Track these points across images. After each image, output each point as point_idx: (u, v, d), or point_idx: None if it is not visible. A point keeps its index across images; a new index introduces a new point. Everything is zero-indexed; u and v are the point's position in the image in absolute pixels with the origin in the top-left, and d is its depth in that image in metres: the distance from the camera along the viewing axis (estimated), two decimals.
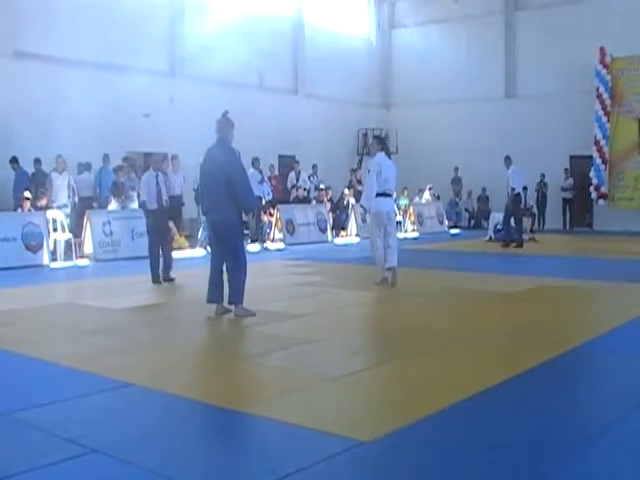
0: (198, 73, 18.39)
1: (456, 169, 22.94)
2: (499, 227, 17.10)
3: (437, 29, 24.58)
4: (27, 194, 12.89)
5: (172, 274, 10.25)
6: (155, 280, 10.02)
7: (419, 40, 24.94)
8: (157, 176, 10.32)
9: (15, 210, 13.08)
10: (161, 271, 10.16)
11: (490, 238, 17.35)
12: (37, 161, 14.45)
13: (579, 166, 21.50)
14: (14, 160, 14.06)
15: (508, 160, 15.78)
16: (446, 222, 21.94)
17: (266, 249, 15.76)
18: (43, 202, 13.25)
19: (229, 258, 7.29)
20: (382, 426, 4.01)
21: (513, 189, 15.67)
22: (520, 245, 15.44)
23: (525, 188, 20.74)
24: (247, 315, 7.26)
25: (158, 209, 10.17)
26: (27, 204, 12.77)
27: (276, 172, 19.54)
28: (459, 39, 23.89)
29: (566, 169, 21.68)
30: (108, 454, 3.61)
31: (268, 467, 3.49)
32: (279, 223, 16.70)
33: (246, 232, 16.84)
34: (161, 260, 10.19)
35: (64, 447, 3.70)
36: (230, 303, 7.37)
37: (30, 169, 14.40)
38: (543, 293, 9.11)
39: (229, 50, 18.40)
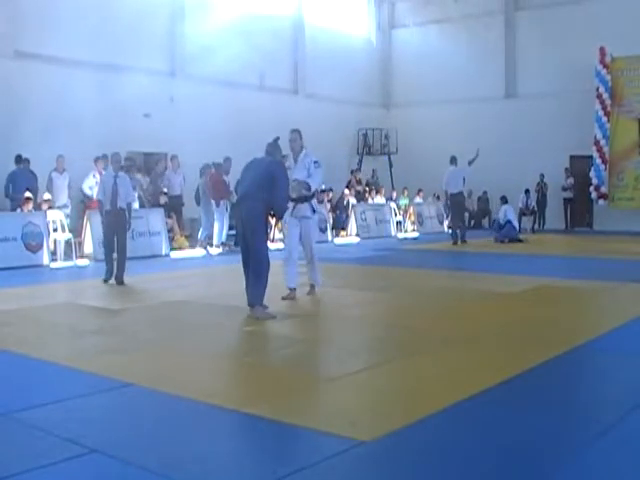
0: (198, 73, 18.38)
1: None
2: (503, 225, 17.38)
3: (437, 29, 24.56)
4: (28, 194, 12.86)
5: (126, 278, 10.09)
6: (106, 280, 10.06)
7: (419, 40, 24.91)
8: (116, 177, 10.13)
9: (13, 210, 13.05)
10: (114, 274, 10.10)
11: (495, 238, 17.46)
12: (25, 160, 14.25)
13: (579, 166, 21.49)
14: (24, 160, 13.90)
15: (453, 160, 16.55)
16: (446, 222, 21.93)
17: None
18: (45, 206, 13.24)
19: (252, 259, 7.20)
20: (382, 426, 4.01)
21: (446, 190, 16.66)
22: (455, 243, 16.29)
23: (527, 191, 20.89)
24: (266, 318, 7.10)
25: (112, 211, 10.04)
26: (29, 204, 12.74)
27: None
28: (459, 39, 23.87)
29: (566, 168, 21.68)
30: (108, 454, 3.61)
31: (268, 467, 3.49)
32: (279, 223, 16.69)
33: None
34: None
35: (64, 447, 3.69)
36: (249, 305, 7.25)
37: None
38: (543, 293, 9.11)
39: (229, 50, 18.39)
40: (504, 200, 18.40)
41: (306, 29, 22.26)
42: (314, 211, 8.28)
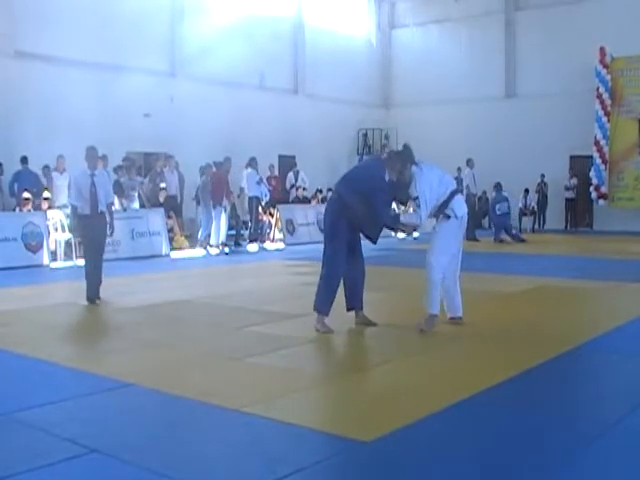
0: (198, 73, 18.38)
1: (459, 169, 22.93)
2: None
3: (437, 29, 24.56)
4: (27, 194, 12.87)
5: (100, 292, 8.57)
6: (91, 299, 8.36)
7: (419, 40, 24.91)
8: (92, 175, 8.44)
9: (14, 210, 13.05)
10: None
11: (495, 238, 17.43)
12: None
13: (579, 166, 21.49)
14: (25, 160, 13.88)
15: (469, 162, 17.23)
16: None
17: (266, 249, 15.75)
18: (45, 205, 13.24)
19: (324, 263, 6.65)
20: (382, 426, 4.01)
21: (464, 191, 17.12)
22: (477, 240, 17.00)
23: (527, 190, 20.91)
24: (324, 331, 6.45)
25: (92, 215, 8.41)
26: (28, 205, 12.74)
27: (276, 172, 19.49)
28: (459, 39, 23.87)
29: (571, 169, 21.70)
30: (108, 454, 3.61)
31: (268, 467, 3.49)
32: (279, 223, 16.70)
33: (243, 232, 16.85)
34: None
35: (64, 447, 3.70)
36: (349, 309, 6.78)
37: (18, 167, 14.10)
38: (543, 293, 9.10)
39: (229, 51, 18.41)
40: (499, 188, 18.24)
41: (306, 30, 22.27)
42: (448, 217, 6.55)
